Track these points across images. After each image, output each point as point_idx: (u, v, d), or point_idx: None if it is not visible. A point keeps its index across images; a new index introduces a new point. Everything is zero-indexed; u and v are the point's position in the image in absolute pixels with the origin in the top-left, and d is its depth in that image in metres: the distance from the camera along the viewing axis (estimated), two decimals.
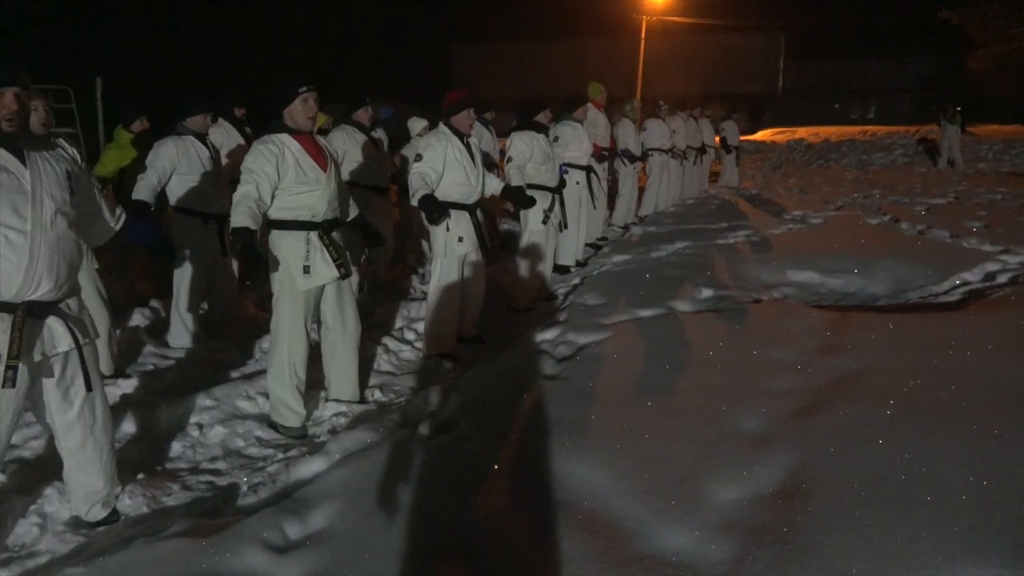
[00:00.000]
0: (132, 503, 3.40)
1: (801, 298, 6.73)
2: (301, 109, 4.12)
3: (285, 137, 4.12)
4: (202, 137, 5.93)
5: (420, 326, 6.01)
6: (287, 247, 4.16)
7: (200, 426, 4.18)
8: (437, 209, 5.03)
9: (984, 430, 3.43)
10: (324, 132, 8.21)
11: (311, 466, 3.57)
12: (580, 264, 8.16)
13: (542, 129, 6.81)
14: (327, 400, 4.58)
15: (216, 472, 3.76)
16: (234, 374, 5.06)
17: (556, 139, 6.98)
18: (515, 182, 6.25)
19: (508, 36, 44.91)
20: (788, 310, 5.74)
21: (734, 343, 4.92)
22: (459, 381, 4.53)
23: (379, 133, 9.39)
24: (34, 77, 9.16)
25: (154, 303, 6.45)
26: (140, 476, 3.61)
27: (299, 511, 3.06)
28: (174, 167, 5.72)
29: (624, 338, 5.08)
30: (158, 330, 5.99)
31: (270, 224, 4.21)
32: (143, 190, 5.59)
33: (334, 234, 4.33)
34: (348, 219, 4.57)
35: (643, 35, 37.17)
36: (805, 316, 5.56)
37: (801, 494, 3.08)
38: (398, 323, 6.11)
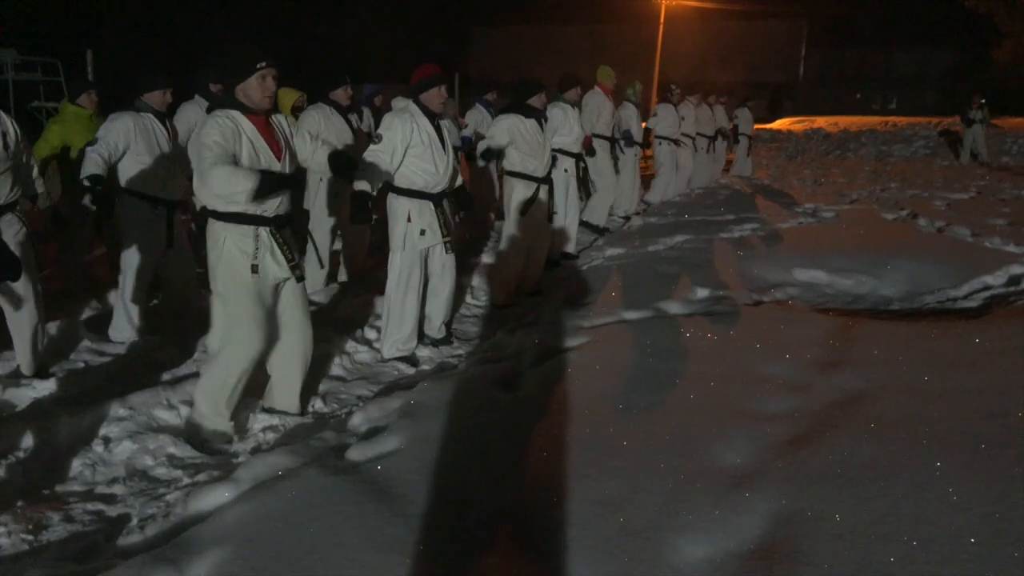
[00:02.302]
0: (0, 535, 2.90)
1: (806, 299, 6.15)
2: (258, 87, 3.61)
3: (238, 115, 3.61)
4: (161, 116, 5.42)
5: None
6: (233, 241, 3.65)
7: (107, 440, 3.68)
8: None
9: (1007, 469, 2.88)
10: (298, 111, 7.70)
11: (213, 497, 3.05)
12: (571, 256, 7.60)
13: (533, 113, 6.22)
14: (260, 410, 4.07)
15: (110, 499, 3.26)
16: (165, 376, 4.56)
17: (544, 121, 6.42)
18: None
19: (527, 19, 44.27)
20: (789, 315, 5.17)
21: (724, 354, 4.36)
22: (409, 393, 4.00)
23: (365, 115, 8.87)
24: (23, 49, 8.69)
25: (102, 293, 5.95)
26: (19, 503, 3.11)
27: (179, 559, 2.55)
28: (128, 144, 5.21)
29: (602, 345, 4.54)
30: (102, 323, 5.48)
31: (211, 215, 3.68)
32: (92, 164, 5.07)
33: (286, 230, 3.82)
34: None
35: (662, 19, 36.43)
36: (807, 322, 4.99)
37: (785, 553, 2.53)
38: (360, 320, 5.57)
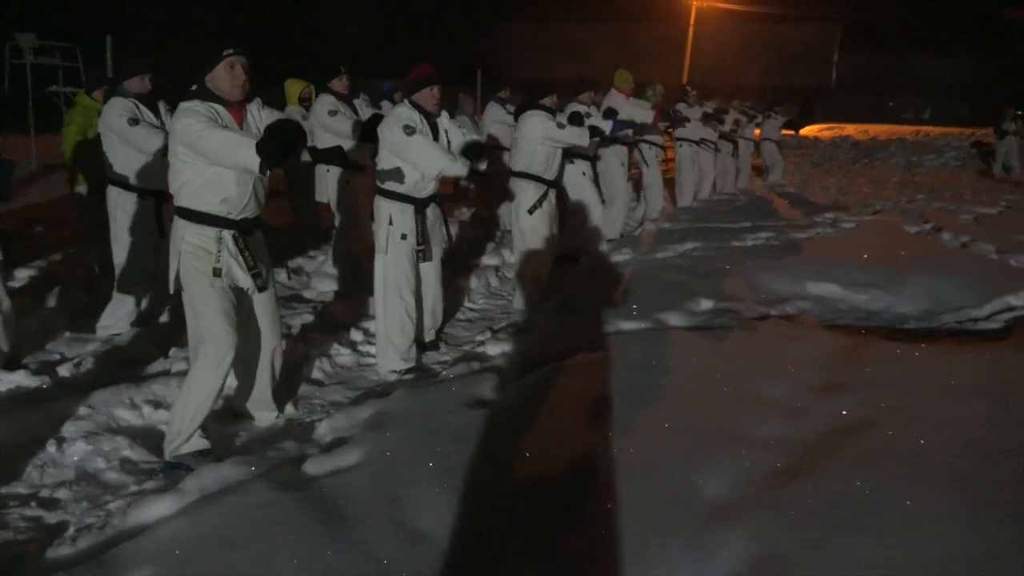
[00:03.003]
0: None
1: (817, 314, 5.88)
2: (226, 76, 3.40)
3: (217, 105, 3.42)
4: (149, 102, 5.26)
5: (371, 325, 5.28)
6: (194, 238, 3.45)
7: (61, 440, 3.50)
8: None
9: (1018, 512, 2.62)
10: (305, 101, 7.56)
11: (155, 508, 2.87)
12: (572, 259, 7.35)
13: (548, 112, 5.97)
14: (230, 415, 3.89)
15: (51, 504, 3.08)
16: (136, 372, 4.39)
17: (561, 126, 6.13)
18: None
19: (557, 17, 43.95)
20: (794, 331, 4.91)
21: (719, 372, 4.11)
22: (380, 402, 3.80)
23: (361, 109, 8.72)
24: (41, 34, 8.65)
25: (87, 283, 5.82)
26: None
27: None
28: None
29: (591, 358, 4.30)
30: (87, 313, 5.34)
31: (177, 211, 3.49)
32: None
33: (255, 235, 3.62)
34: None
35: (692, 21, 36.08)
36: (813, 340, 4.73)
37: None
38: (347, 321, 5.38)
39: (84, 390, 3.94)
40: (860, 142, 24.12)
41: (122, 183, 5.20)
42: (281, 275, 6.63)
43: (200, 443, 3.41)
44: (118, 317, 5.17)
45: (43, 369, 4.41)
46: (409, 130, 4.45)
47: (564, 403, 3.69)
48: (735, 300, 5.71)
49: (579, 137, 5.76)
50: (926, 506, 2.72)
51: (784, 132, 14.80)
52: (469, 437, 3.31)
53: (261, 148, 3.11)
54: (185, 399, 3.41)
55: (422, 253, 4.76)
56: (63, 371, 4.37)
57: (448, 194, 11.39)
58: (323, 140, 6.32)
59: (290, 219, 8.70)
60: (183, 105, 3.37)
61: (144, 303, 5.37)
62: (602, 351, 4.40)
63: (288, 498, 2.79)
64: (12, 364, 4.43)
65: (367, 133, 5.45)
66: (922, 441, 3.24)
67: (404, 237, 4.67)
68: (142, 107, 5.13)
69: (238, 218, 3.48)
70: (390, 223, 4.66)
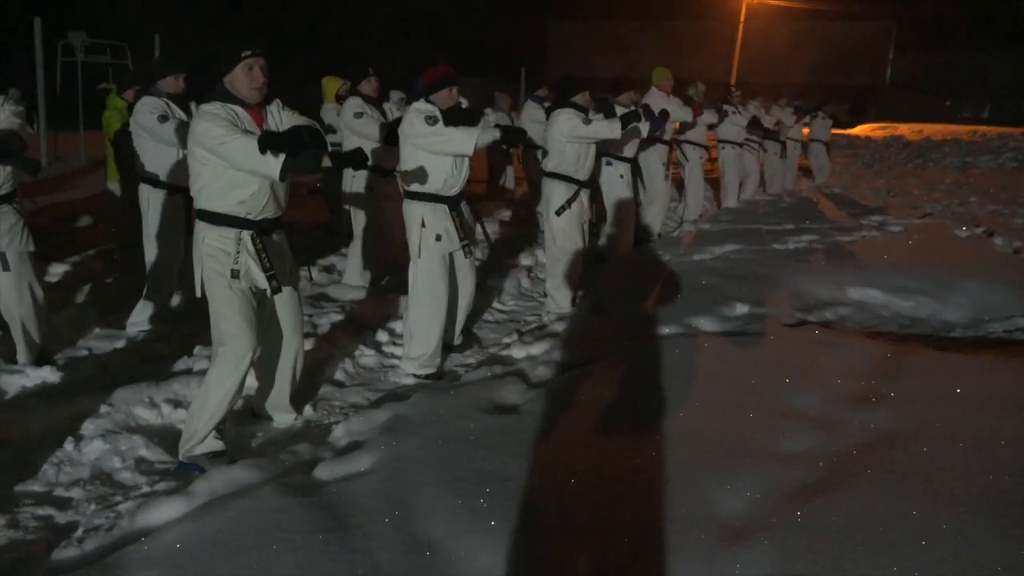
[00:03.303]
0: None
1: (857, 321, 5.69)
2: (244, 78, 3.36)
3: (236, 107, 3.39)
4: (182, 101, 5.28)
5: (398, 326, 5.24)
6: (213, 240, 3.43)
7: (79, 438, 3.51)
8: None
9: None
10: (342, 99, 7.55)
11: (163, 511, 2.85)
12: (603, 260, 7.23)
13: (581, 110, 5.85)
14: (249, 415, 3.87)
15: (64, 504, 3.08)
16: (159, 369, 4.40)
17: (588, 121, 5.98)
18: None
19: (605, 14, 43.69)
20: (831, 339, 4.74)
21: (751, 381, 3.98)
22: (398, 405, 3.74)
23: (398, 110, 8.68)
24: (91, 32, 8.79)
25: (119, 280, 5.88)
26: None
27: None
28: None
29: (619, 364, 4.20)
30: (119, 308, 5.39)
31: (197, 214, 3.48)
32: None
33: (275, 236, 3.58)
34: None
35: (742, 17, 35.54)
36: (850, 348, 4.57)
37: None
38: (372, 321, 5.34)
39: (106, 387, 3.95)
40: (913, 142, 23.50)
41: (153, 181, 5.24)
42: (312, 273, 6.63)
43: (214, 444, 3.39)
44: (147, 314, 5.20)
45: (70, 364, 4.45)
46: (432, 120, 4.38)
47: (585, 411, 3.60)
48: (772, 305, 5.55)
49: (608, 130, 5.59)
50: (958, 529, 2.58)
51: (833, 131, 14.45)
52: (485, 444, 3.23)
53: (271, 146, 3.07)
54: (202, 400, 3.40)
55: (466, 248, 4.69)
56: (89, 367, 4.41)
57: (485, 193, 11.34)
58: (350, 142, 6.29)
59: (327, 217, 8.72)
60: (203, 107, 3.35)
61: (175, 300, 5.40)
62: (629, 357, 4.29)
63: (295, 504, 2.75)
64: (43, 359, 4.48)
65: (392, 136, 5.40)
66: (957, 459, 3.10)
67: (439, 238, 4.59)
68: (173, 106, 5.15)
69: (258, 219, 3.45)
70: (422, 226, 4.59)
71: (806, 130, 13.73)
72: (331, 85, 8.36)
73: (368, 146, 6.30)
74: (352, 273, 6.36)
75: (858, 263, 6.95)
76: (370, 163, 6.36)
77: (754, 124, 10.44)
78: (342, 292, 6.08)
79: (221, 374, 3.38)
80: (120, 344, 4.85)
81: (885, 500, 2.79)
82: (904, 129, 26.71)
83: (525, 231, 8.80)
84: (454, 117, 4.49)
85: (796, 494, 2.88)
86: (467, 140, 4.37)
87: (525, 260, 7.36)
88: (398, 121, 5.24)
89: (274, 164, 3.12)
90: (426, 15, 41.27)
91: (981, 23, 36.70)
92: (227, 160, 3.22)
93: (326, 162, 3.47)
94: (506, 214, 10.03)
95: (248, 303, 3.45)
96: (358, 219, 6.40)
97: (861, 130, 27.46)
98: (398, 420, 3.51)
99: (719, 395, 3.80)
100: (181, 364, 4.46)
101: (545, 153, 5.90)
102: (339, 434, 3.59)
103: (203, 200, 3.41)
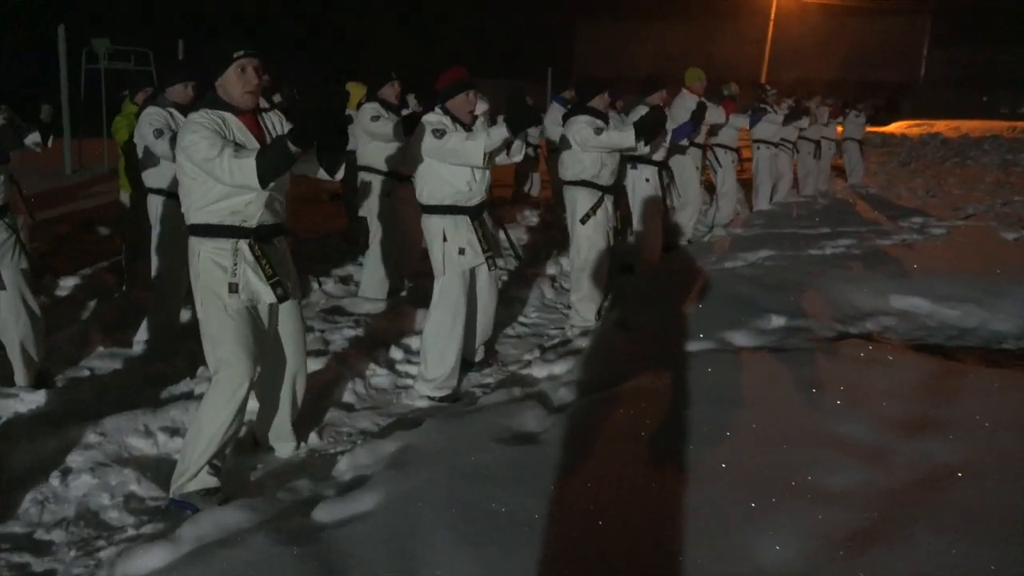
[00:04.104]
0: None
1: (902, 332, 5.35)
2: (237, 81, 3.11)
3: (226, 114, 3.15)
4: (185, 110, 5.06)
5: (414, 342, 4.98)
6: (209, 255, 3.19)
7: (66, 472, 3.28)
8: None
9: None
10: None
11: (145, 560, 2.60)
12: (629, 268, 6.92)
13: (599, 116, 5.54)
14: (251, 443, 3.63)
15: (44, 548, 2.85)
16: (161, 392, 4.17)
17: (599, 131, 5.64)
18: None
19: (632, 14, 43.37)
20: (876, 355, 4.40)
21: (789, 404, 3.67)
22: (408, 434, 3.48)
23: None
24: (116, 39, 8.65)
25: (125, 293, 5.69)
26: None
27: None
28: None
29: (646, 387, 3.90)
30: (126, 324, 5.19)
31: (188, 228, 3.24)
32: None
33: (275, 243, 3.33)
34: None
35: (772, 15, 35.04)
36: (898, 365, 4.23)
37: None
38: (386, 337, 5.08)
39: (101, 414, 3.72)
40: (950, 139, 22.87)
41: (160, 191, 5.03)
42: (327, 284, 6.40)
43: (208, 481, 3.14)
44: (154, 331, 5.00)
45: (69, 386, 4.25)
46: (439, 133, 4.12)
47: (609, 441, 3.31)
48: (810, 317, 5.22)
49: (621, 140, 5.26)
50: None
51: (868, 129, 14.02)
52: (499, 480, 2.95)
53: (298, 139, 2.82)
54: (195, 432, 3.15)
55: (490, 261, 4.41)
56: (87, 390, 4.19)
57: (510, 198, 11.07)
58: (366, 147, 6.06)
59: (345, 224, 8.50)
60: (189, 117, 3.11)
61: (184, 316, 5.19)
62: (657, 378, 3.99)
63: (288, 553, 2.49)
64: (42, 379, 4.29)
65: (409, 129, 5.15)
66: None
67: (462, 252, 4.33)
68: (177, 117, 4.92)
69: (255, 225, 3.20)
70: (444, 239, 4.33)
71: (840, 128, 13.31)
72: (356, 92, 8.12)
73: (387, 150, 6.07)
74: (368, 284, 6.11)
75: (900, 269, 6.57)
76: (386, 169, 6.16)
77: (795, 115, 9.97)
78: (357, 305, 5.84)
79: (216, 405, 3.13)
80: (123, 363, 4.65)
81: (950, 548, 2.47)
82: (941, 126, 26.05)
83: (550, 237, 8.51)
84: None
85: (845, 540, 2.57)
86: (476, 150, 4.06)
87: (550, 269, 7.07)
88: (413, 116, 4.99)
89: (252, 176, 2.88)
90: (449, 15, 41.15)
91: (1017, 16, 35.81)
92: (214, 178, 2.98)
93: (308, 169, 3.20)
94: (532, 219, 9.77)
95: (246, 325, 3.20)
96: (375, 227, 6.15)
97: (896, 127, 26.80)
98: (406, 451, 3.24)
99: (756, 421, 3.49)
100: (183, 386, 4.23)
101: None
102: (343, 467, 3.32)
103: (194, 214, 3.17)
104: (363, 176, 6.23)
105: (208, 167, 2.95)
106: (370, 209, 6.16)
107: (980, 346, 5.24)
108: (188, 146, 2.99)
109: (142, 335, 5.02)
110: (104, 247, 7.51)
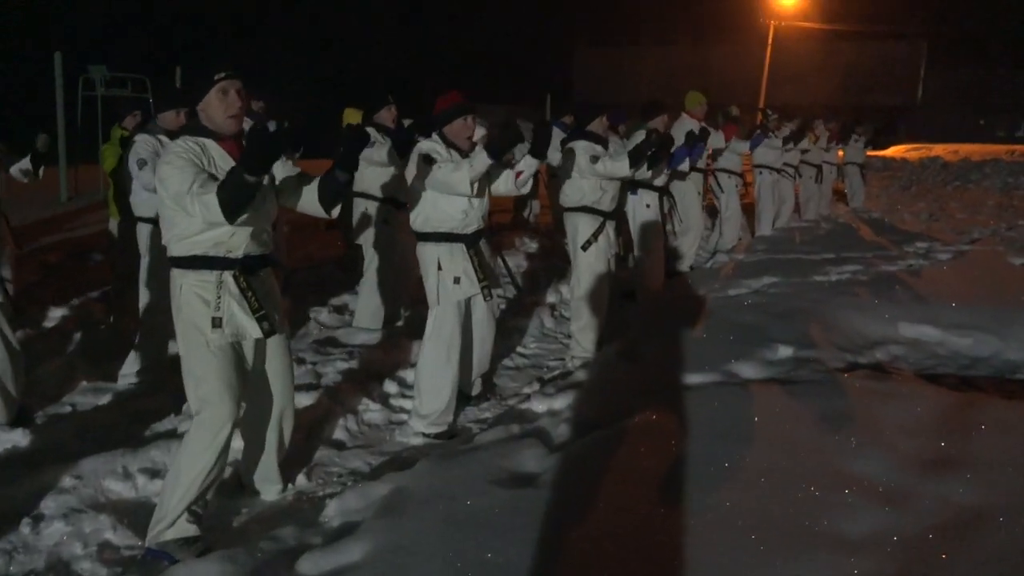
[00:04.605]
0: None
1: (912, 362, 5.19)
2: (219, 104, 2.96)
3: (207, 140, 3.00)
4: (174, 137, 4.92)
5: (409, 375, 4.81)
6: (192, 289, 3.03)
7: (38, 518, 3.09)
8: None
9: None
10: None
11: None
12: (631, 296, 6.78)
13: (598, 140, 5.41)
14: (241, 485, 3.45)
15: None
16: (143, 431, 3.99)
17: (595, 159, 5.50)
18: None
19: (631, 40, 43.55)
20: (889, 387, 4.23)
21: (800, 442, 3.49)
22: (400, 476, 3.30)
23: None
24: (112, 65, 8.54)
25: (113, 325, 5.52)
26: None
27: None
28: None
29: (649, 423, 3.72)
30: (113, 356, 5.02)
31: (170, 260, 3.08)
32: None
33: (262, 273, 3.17)
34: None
35: (770, 40, 35.11)
36: (912, 398, 4.05)
37: None
38: (384, 369, 4.90)
39: (80, 454, 3.55)
40: (950, 163, 22.80)
41: (149, 220, 4.88)
42: (321, 313, 6.23)
43: (186, 529, 2.95)
44: (140, 364, 4.83)
45: (48, 424, 4.08)
46: (428, 160, 3.98)
47: (611, 484, 3.13)
48: (818, 346, 5.06)
49: (616, 170, 5.14)
50: None
51: (869, 153, 13.92)
52: (495, 527, 2.78)
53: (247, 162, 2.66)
54: (174, 477, 2.97)
55: (486, 291, 4.25)
56: (67, 428, 4.02)
57: (509, 224, 10.93)
58: (362, 174, 5.92)
59: (343, 250, 8.34)
60: (167, 147, 2.97)
61: (172, 347, 5.02)
62: (660, 413, 3.82)
63: None
64: (22, 416, 4.12)
65: (403, 153, 5.03)
66: None
67: (457, 281, 4.17)
68: (166, 143, 4.78)
69: (240, 255, 3.04)
70: (439, 268, 4.17)
71: (841, 152, 13.22)
72: (352, 116, 8.01)
73: (383, 177, 5.93)
74: (363, 314, 5.94)
75: (907, 296, 6.42)
76: (382, 197, 6.02)
77: (794, 137, 9.85)
78: (352, 336, 5.66)
79: (196, 447, 2.95)
80: (106, 399, 4.47)
81: None
82: (940, 149, 25.98)
83: (550, 264, 8.35)
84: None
85: None
86: (462, 180, 3.91)
87: (550, 297, 6.91)
88: (402, 131, 4.85)
89: (216, 211, 2.72)
90: (450, 41, 41.30)
91: (1013, 40, 35.94)
92: (187, 213, 2.84)
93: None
94: (532, 246, 9.61)
95: (230, 362, 3.03)
96: (370, 255, 5.99)
97: (895, 151, 26.74)
98: (398, 495, 3.06)
99: (766, 460, 3.31)
100: (167, 424, 4.05)
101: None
102: (331, 512, 3.14)
103: (176, 245, 3.01)
104: (359, 203, 6.09)
105: (181, 203, 2.81)
106: (366, 237, 6.02)
107: (994, 376, 5.08)
108: (164, 179, 2.85)
109: (128, 368, 4.85)
110: (94, 276, 7.35)
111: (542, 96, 23.75)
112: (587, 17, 42.54)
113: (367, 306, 5.93)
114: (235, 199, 2.70)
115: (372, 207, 5.98)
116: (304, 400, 4.33)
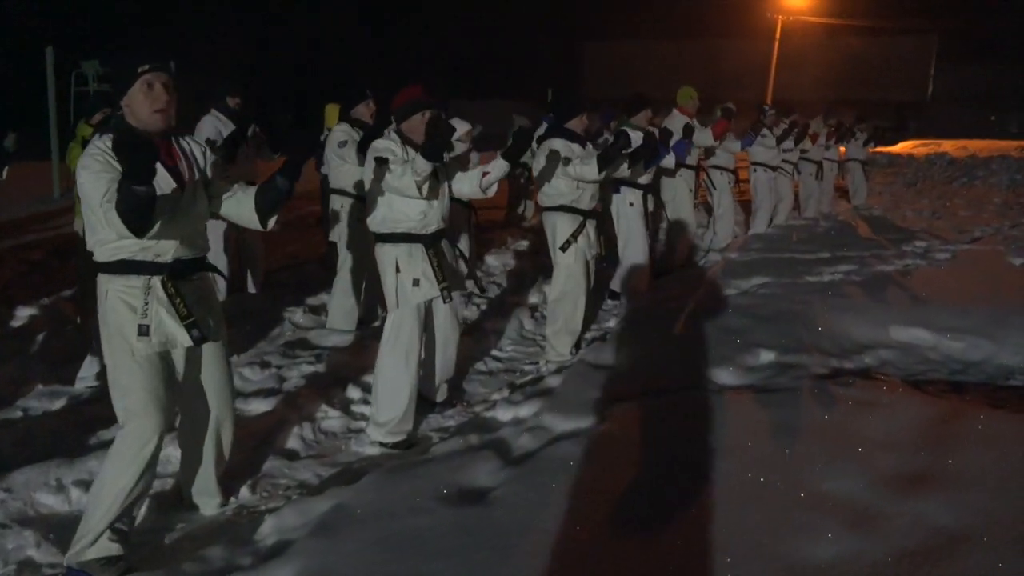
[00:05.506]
0: None
1: (902, 367, 4.99)
2: (143, 99, 2.78)
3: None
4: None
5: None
6: (117, 295, 2.86)
7: None
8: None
9: None
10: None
11: None
12: (615, 295, 6.60)
13: (577, 138, 5.24)
14: (180, 499, 3.29)
15: None
16: (88, 439, 3.84)
17: (566, 161, 5.32)
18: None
19: (639, 35, 43.33)
20: (871, 395, 4.03)
21: (771, 456, 3.31)
22: (344, 491, 3.13)
23: None
24: (105, 61, 8.38)
25: (79, 326, 5.38)
26: None
27: None
28: None
29: (614, 433, 3.55)
30: (74, 358, 4.87)
31: (95, 266, 2.92)
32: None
33: (194, 278, 3.00)
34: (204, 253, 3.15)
35: (778, 35, 34.81)
36: (894, 408, 3.86)
37: None
38: (348, 373, 4.72)
39: (17, 464, 3.39)
40: (958, 159, 22.48)
41: None
42: (296, 314, 6.07)
43: (109, 548, 2.78)
44: (99, 368, 4.67)
45: None
46: (381, 161, 3.81)
47: (568, 496, 2.96)
48: (803, 351, 4.87)
49: (586, 174, 4.97)
50: None
51: (872, 151, 13.67)
52: (436, 550, 2.61)
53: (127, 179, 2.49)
54: (97, 491, 2.81)
55: (446, 292, 4.08)
56: (11, 434, 3.86)
57: (502, 222, 10.76)
58: (338, 170, 5.76)
59: (324, 250, 8.18)
60: (87, 148, 2.79)
61: None
62: (628, 422, 3.64)
63: None
64: None
65: (360, 145, 4.88)
66: None
67: (416, 283, 4.00)
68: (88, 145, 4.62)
69: (169, 260, 2.87)
70: (397, 270, 4.01)
71: (843, 149, 12.98)
72: (333, 113, 7.86)
73: (357, 174, 5.75)
74: (336, 315, 5.77)
75: (901, 297, 6.23)
76: (359, 196, 5.85)
77: (787, 135, 9.61)
78: (324, 338, 5.50)
79: (120, 462, 2.79)
80: (60, 404, 4.32)
81: None
82: (948, 146, 25.60)
83: (537, 263, 8.17)
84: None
85: None
86: (407, 184, 3.73)
87: (532, 297, 6.72)
88: (369, 127, 4.69)
89: (119, 223, 2.56)
90: (448, 33, 41.12)
91: None
92: (106, 226, 2.68)
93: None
94: (522, 244, 9.44)
95: (156, 373, 2.87)
96: (344, 254, 5.82)
97: (902, 147, 26.39)
98: (337, 513, 2.89)
99: (732, 476, 3.13)
100: (113, 432, 3.88)
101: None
102: (267, 530, 2.96)
103: (101, 250, 2.85)
104: (335, 199, 5.93)
105: (96, 215, 2.64)
106: (340, 234, 5.85)
107: (985, 382, 4.88)
108: (81, 184, 2.69)
109: (87, 371, 4.69)
110: (73, 275, 7.21)
111: (544, 91, 23.53)
112: (597, 12, 42.37)
113: (341, 306, 5.77)
114: (133, 212, 2.52)
115: (347, 203, 5.81)
116: (261, 406, 4.18)
